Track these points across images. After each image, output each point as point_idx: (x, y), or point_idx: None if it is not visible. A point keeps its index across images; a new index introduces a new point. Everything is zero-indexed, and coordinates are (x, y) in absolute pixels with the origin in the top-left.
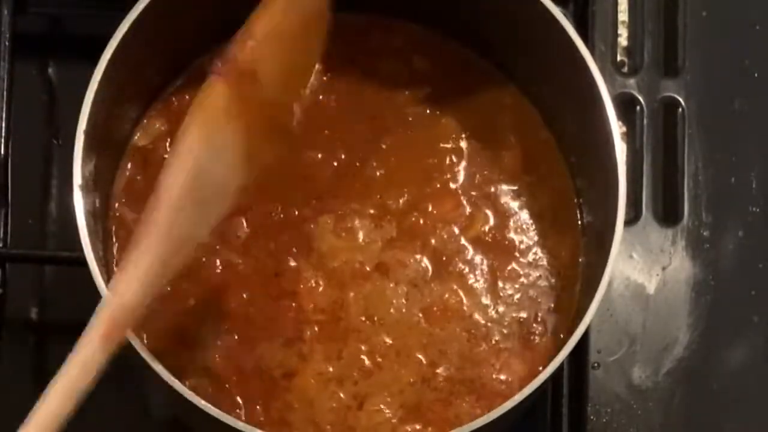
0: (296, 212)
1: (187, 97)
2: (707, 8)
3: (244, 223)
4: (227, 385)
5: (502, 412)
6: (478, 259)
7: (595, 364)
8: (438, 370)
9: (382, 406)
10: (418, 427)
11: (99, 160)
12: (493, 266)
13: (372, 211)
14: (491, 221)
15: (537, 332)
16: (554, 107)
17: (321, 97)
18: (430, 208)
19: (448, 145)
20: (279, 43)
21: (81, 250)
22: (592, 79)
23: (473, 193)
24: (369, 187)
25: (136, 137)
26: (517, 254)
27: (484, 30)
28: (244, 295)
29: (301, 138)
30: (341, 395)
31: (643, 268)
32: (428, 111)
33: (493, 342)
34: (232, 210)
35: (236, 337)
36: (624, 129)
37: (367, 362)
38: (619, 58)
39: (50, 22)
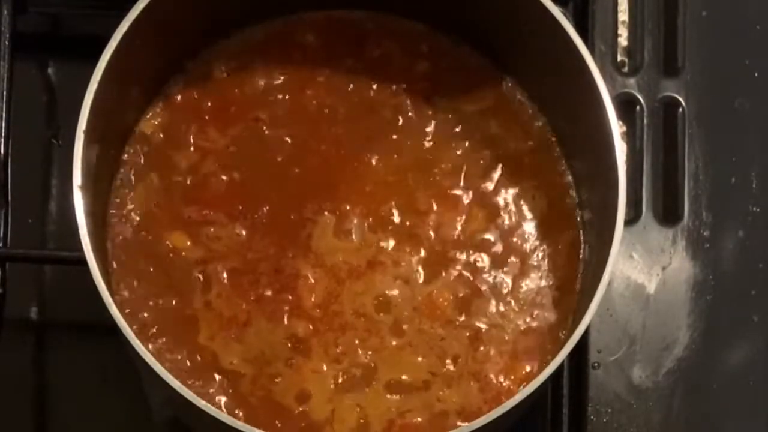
0: (297, 211)
1: (187, 95)
2: (707, 8)
3: (246, 222)
4: (228, 381)
5: (502, 411)
6: (477, 259)
7: (595, 364)
8: (437, 368)
9: (379, 401)
10: (418, 419)
11: (99, 160)
12: (492, 266)
13: (371, 211)
14: (490, 222)
15: (537, 332)
16: (554, 107)
17: (320, 98)
18: (428, 209)
19: (448, 146)
20: None
21: (81, 250)
22: (592, 79)
23: (472, 193)
24: (368, 186)
25: (136, 136)
26: (516, 254)
27: (484, 30)
28: (246, 290)
29: (302, 139)
30: (340, 388)
31: (643, 268)
32: (428, 111)
33: (493, 341)
34: (235, 209)
35: (237, 331)
36: (624, 129)
37: (365, 357)
38: (619, 58)
39: (50, 22)
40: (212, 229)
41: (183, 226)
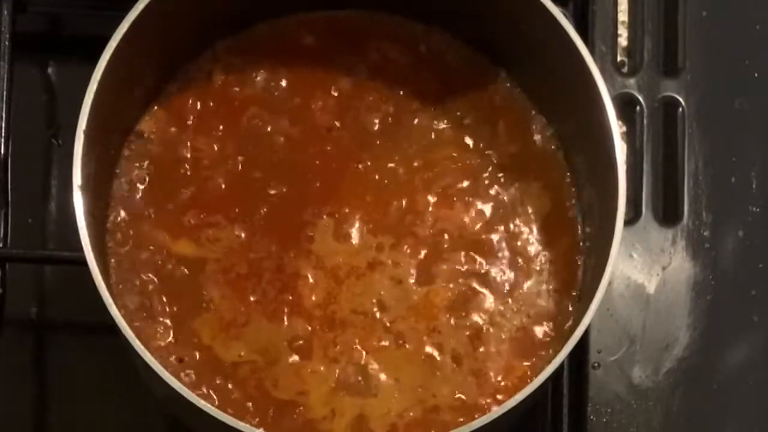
0: (297, 213)
1: (186, 95)
2: (707, 8)
3: (245, 224)
4: (228, 380)
5: (502, 411)
6: (477, 259)
7: (595, 364)
8: (436, 368)
9: (378, 400)
10: (417, 418)
11: (99, 160)
12: (492, 267)
13: (371, 213)
14: (490, 222)
15: (537, 332)
16: (554, 107)
17: (320, 99)
18: (428, 210)
19: (448, 147)
20: None
21: (81, 250)
22: (592, 79)
23: (472, 194)
24: (368, 188)
25: (135, 136)
26: (516, 254)
27: (484, 30)
28: (247, 291)
29: (302, 141)
30: (339, 387)
31: (643, 268)
32: (428, 112)
33: (492, 341)
34: (234, 211)
35: (238, 330)
36: (624, 129)
37: (364, 357)
38: (619, 58)
39: (50, 22)
40: (211, 231)
41: (181, 228)
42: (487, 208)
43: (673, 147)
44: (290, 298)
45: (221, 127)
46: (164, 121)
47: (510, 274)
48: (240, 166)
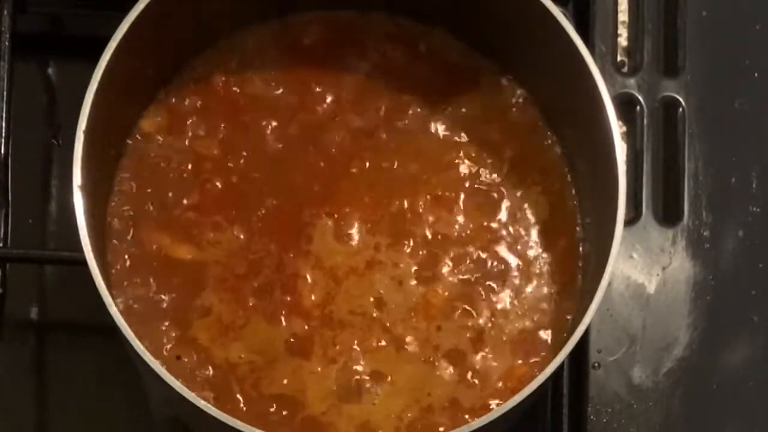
0: (296, 214)
1: (186, 95)
2: (707, 8)
3: (244, 227)
4: (228, 379)
5: (502, 411)
6: (476, 261)
7: (595, 364)
8: (435, 368)
9: (378, 400)
10: (416, 419)
11: (99, 160)
12: (492, 268)
13: (370, 213)
14: (489, 224)
15: (536, 332)
16: (554, 107)
17: (319, 99)
18: (428, 211)
19: (447, 148)
20: None
21: (81, 250)
22: (592, 79)
23: (472, 195)
24: (367, 189)
25: (136, 137)
26: (516, 255)
27: (484, 30)
28: (246, 291)
29: (301, 141)
30: (339, 387)
31: (643, 268)
32: (427, 112)
33: (492, 341)
34: (234, 212)
35: (237, 331)
36: (624, 129)
37: (363, 357)
38: (619, 58)
39: (50, 22)
40: (211, 233)
41: (181, 228)
42: (487, 210)
43: (673, 147)
44: (289, 298)
45: (221, 127)
46: (164, 120)
47: (510, 276)
48: (239, 166)
